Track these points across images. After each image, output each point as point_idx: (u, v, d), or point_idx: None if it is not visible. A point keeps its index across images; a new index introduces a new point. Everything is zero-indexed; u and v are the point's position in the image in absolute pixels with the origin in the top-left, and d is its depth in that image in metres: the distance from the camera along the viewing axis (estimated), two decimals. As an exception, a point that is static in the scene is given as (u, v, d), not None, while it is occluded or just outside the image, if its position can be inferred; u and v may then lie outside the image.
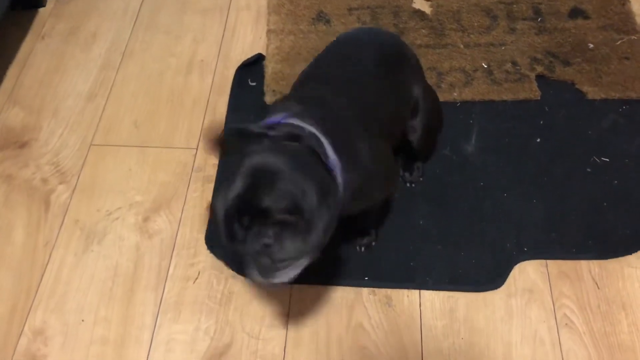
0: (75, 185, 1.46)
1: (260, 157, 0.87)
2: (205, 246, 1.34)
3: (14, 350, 1.22)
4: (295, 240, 0.85)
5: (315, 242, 0.87)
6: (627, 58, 1.63)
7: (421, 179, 1.41)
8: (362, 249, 1.31)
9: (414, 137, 1.30)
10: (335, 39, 1.29)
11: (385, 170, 1.14)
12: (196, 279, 1.30)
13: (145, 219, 1.39)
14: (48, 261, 1.34)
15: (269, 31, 1.75)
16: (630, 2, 1.76)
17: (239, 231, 0.86)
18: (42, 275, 1.32)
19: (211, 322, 1.24)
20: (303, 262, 0.90)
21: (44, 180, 1.47)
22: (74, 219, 1.40)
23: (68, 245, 1.36)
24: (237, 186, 0.85)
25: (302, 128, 0.94)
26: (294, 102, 1.04)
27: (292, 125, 0.95)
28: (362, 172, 1.02)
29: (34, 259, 1.34)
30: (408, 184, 1.41)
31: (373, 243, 1.32)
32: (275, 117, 0.97)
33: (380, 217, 1.34)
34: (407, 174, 1.41)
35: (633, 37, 1.67)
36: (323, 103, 1.05)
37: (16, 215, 1.42)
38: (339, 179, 0.95)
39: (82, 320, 1.25)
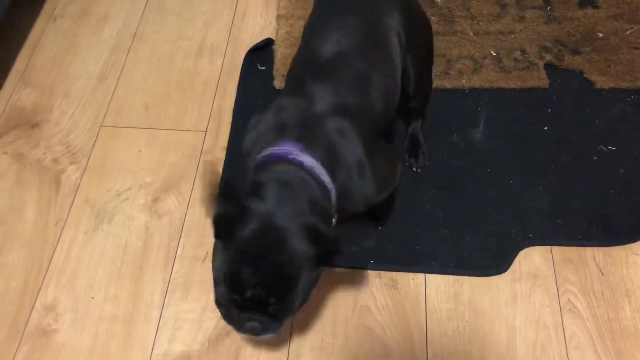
0: (86, 165, 1.48)
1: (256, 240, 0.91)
2: (213, 227, 1.35)
3: (26, 325, 1.24)
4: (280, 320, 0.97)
5: (297, 309, 0.98)
6: (636, 48, 1.63)
7: (427, 162, 1.42)
8: (380, 228, 1.34)
9: (408, 83, 1.26)
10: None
11: (386, 180, 1.13)
12: (204, 259, 1.32)
13: (155, 200, 1.41)
14: (59, 239, 1.36)
15: (278, 16, 1.76)
16: (640, -8, 1.76)
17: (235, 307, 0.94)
18: (53, 253, 1.34)
19: (219, 301, 1.26)
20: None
21: (55, 160, 1.49)
22: (84, 198, 1.42)
23: (78, 224, 1.38)
24: (239, 266, 0.90)
25: (299, 164, 0.96)
26: (294, 128, 1.01)
27: (288, 162, 0.96)
28: (362, 193, 1.04)
29: (45, 237, 1.36)
30: (415, 169, 1.42)
31: (380, 228, 1.34)
32: (274, 149, 0.98)
33: (387, 204, 1.35)
34: (412, 160, 1.43)
35: (643, 27, 1.67)
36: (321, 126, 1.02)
37: (28, 194, 1.44)
38: (333, 200, 0.99)
39: (92, 298, 1.28)
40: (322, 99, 1.01)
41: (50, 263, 1.32)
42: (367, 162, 1.02)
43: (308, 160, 0.95)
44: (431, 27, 1.34)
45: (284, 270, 0.90)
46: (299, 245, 0.90)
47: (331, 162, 0.97)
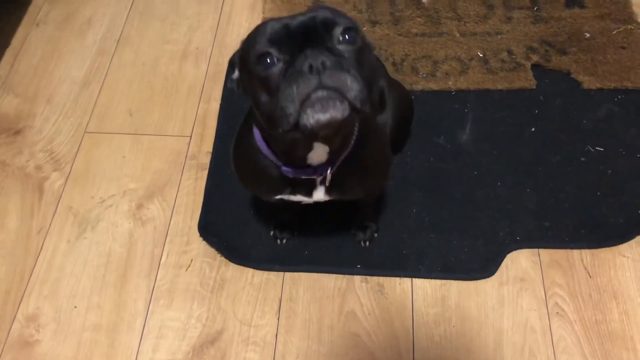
0: (69, 172, 1.46)
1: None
2: (198, 234, 1.34)
3: (7, 336, 1.22)
4: (353, 76, 0.73)
5: (367, 86, 0.76)
6: (623, 47, 1.62)
7: (376, 234, 1.32)
8: (367, 243, 1.31)
9: (387, 131, 1.25)
10: None
11: (385, 148, 1.12)
12: (188, 266, 1.30)
13: (139, 206, 1.40)
14: (41, 248, 1.34)
15: (264, 19, 1.74)
16: (627, -9, 1.75)
17: (289, 47, 0.75)
18: (35, 262, 1.32)
19: (203, 309, 1.24)
20: (346, 106, 0.73)
21: (38, 168, 1.47)
22: (67, 206, 1.40)
23: (61, 232, 1.36)
24: (300, 15, 0.76)
25: None
26: None
27: None
28: (371, 130, 0.99)
29: (27, 246, 1.35)
30: (362, 243, 1.31)
31: (375, 235, 1.32)
32: None
33: (378, 209, 1.34)
34: (360, 233, 1.31)
35: (629, 26, 1.66)
36: None
37: (10, 202, 1.42)
38: None
39: (75, 307, 1.26)
40: None
41: (32, 272, 1.31)
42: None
43: None
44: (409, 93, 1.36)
45: (326, 9, 0.78)
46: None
47: None
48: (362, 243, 1.31)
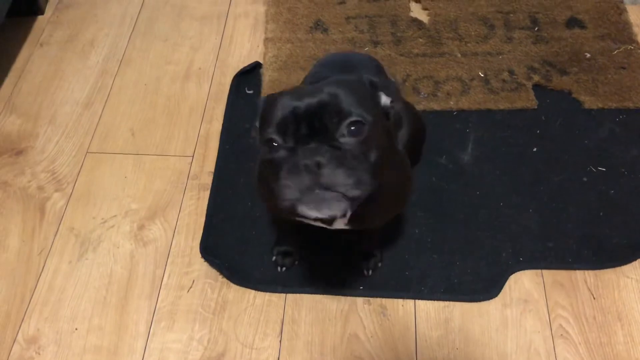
0: (71, 193, 1.46)
1: (332, 85, 0.83)
2: (199, 255, 1.34)
3: (7, 359, 1.21)
4: (351, 172, 0.77)
5: (369, 174, 0.79)
6: (623, 68, 1.62)
7: (380, 264, 1.32)
8: (370, 272, 1.29)
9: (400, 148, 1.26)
10: (317, 62, 1.30)
11: (408, 176, 1.11)
12: (190, 287, 1.29)
13: (141, 227, 1.39)
14: (42, 269, 1.34)
15: (266, 39, 1.76)
16: (627, 11, 1.76)
17: (294, 134, 0.79)
18: (36, 283, 1.31)
19: (205, 331, 1.23)
20: (350, 197, 0.78)
21: (40, 188, 1.47)
22: (69, 226, 1.40)
23: (63, 253, 1.36)
24: (311, 97, 0.81)
25: None
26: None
27: None
28: (395, 163, 1.01)
29: (28, 267, 1.34)
30: (365, 272, 1.30)
31: (379, 264, 1.31)
32: None
33: (383, 237, 1.33)
34: (363, 262, 1.31)
35: (630, 46, 1.67)
36: None
37: (11, 222, 1.41)
38: None
39: (76, 329, 1.25)
40: None
41: (33, 294, 1.30)
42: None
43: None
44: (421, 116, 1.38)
45: (337, 88, 0.81)
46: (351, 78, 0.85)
47: None
48: (365, 272, 1.30)
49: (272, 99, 0.85)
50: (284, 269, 1.30)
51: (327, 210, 0.77)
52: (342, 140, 0.79)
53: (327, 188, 0.75)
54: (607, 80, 1.60)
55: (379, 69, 1.27)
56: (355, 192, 0.76)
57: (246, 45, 1.76)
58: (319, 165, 0.75)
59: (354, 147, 0.78)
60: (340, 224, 1.00)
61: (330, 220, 0.99)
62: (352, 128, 0.79)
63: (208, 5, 1.88)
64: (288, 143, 0.79)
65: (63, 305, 1.29)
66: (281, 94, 0.85)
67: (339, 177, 0.75)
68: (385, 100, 0.90)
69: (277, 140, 0.80)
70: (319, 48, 1.70)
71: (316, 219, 0.99)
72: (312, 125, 0.78)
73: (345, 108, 0.79)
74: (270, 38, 1.75)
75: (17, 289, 1.31)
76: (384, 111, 0.91)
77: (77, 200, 1.45)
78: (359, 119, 0.79)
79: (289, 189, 0.76)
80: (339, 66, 1.24)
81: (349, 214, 0.92)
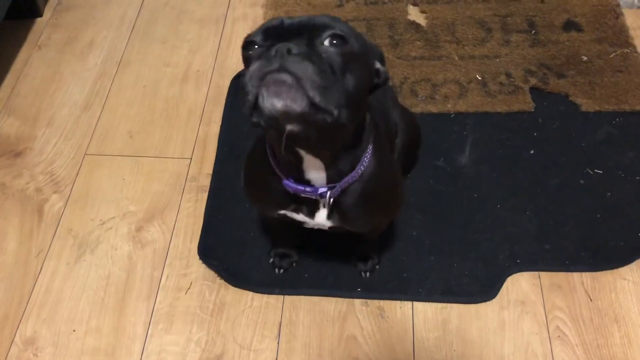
0: (69, 194, 1.46)
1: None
2: (197, 256, 1.34)
3: (5, 360, 1.21)
4: (319, 69, 0.72)
5: (337, 91, 0.74)
6: (620, 71, 1.63)
7: (377, 266, 1.32)
8: (367, 274, 1.30)
9: (395, 155, 1.27)
10: None
11: (398, 184, 1.10)
12: (188, 289, 1.30)
13: (139, 229, 1.39)
14: (40, 270, 1.34)
15: (264, 42, 1.76)
16: (623, 15, 1.77)
17: (276, 38, 0.75)
18: (34, 285, 1.31)
19: (203, 333, 1.23)
20: (304, 99, 0.71)
21: (38, 190, 1.47)
22: (67, 228, 1.40)
23: (60, 254, 1.36)
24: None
25: None
26: None
27: None
28: (383, 164, 1.00)
29: (26, 269, 1.34)
30: (363, 274, 1.31)
31: (377, 266, 1.31)
32: None
33: (381, 241, 1.33)
34: (361, 264, 1.31)
35: (626, 50, 1.68)
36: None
37: (9, 224, 1.42)
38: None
39: (74, 330, 1.25)
40: None
41: (30, 295, 1.30)
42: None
43: None
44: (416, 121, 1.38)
45: (331, 19, 0.78)
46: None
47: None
48: (362, 273, 1.30)
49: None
50: (281, 270, 1.31)
51: (286, 97, 0.69)
52: (321, 47, 0.75)
53: (291, 74, 0.70)
54: (604, 83, 1.61)
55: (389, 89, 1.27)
56: (319, 92, 0.71)
57: (244, 48, 1.76)
58: (289, 51, 0.70)
59: (332, 59, 0.75)
60: (322, 218, 0.99)
61: (313, 212, 0.98)
62: (334, 41, 0.76)
63: (207, 8, 1.88)
64: (267, 43, 0.76)
65: (61, 307, 1.29)
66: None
67: (306, 69, 0.70)
68: (379, 66, 0.88)
69: (257, 40, 0.76)
70: (317, 51, 1.71)
71: (297, 210, 0.99)
72: (296, 32, 0.76)
73: (332, 23, 0.77)
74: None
75: (14, 291, 1.31)
76: (376, 72, 0.87)
77: (75, 202, 1.45)
78: (342, 34, 0.76)
79: (254, 71, 0.71)
80: None
81: (329, 201, 0.91)
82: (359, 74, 0.79)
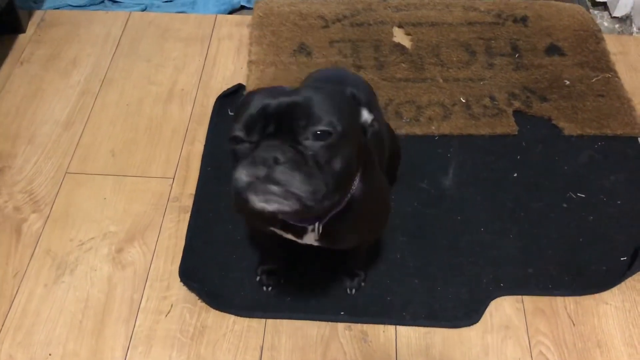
0: (49, 214, 1.44)
1: (310, 90, 0.83)
2: (178, 278, 1.32)
3: (-23, 386, 1.18)
4: (306, 175, 0.76)
5: (326, 184, 0.79)
6: (602, 95, 1.65)
7: (363, 284, 1.31)
8: (353, 291, 1.29)
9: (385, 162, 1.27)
10: (311, 75, 1.30)
11: (386, 202, 1.11)
12: (168, 312, 1.27)
13: (119, 250, 1.37)
14: (16, 292, 1.30)
15: (250, 62, 1.76)
16: (605, 40, 1.80)
17: (260, 132, 0.79)
18: (10, 307, 1.28)
19: (183, 357, 1.21)
20: (293, 202, 0.77)
21: (17, 209, 1.45)
22: (45, 249, 1.37)
23: (38, 276, 1.33)
24: (286, 96, 0.81)
25: None
26: None
27: None
28: (373, 188, 1.00)
29: (1, 290, 1.31)
30: (349, 290, 1.30)
31: (362, 284, 1.30)
32: None
33: (369, 258, 1.32)
34: (347, 280, 1.30)
35: (608, 75, 1.70)
36: None
37: (-14, 244, 1.39)
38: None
39: (50, 354, 1.22)
40: None
41: (6, 318, 1.27)
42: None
43: None
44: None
45: (314, 93, 0.81)
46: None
47: None
48: (348, 290, 1.29)
49: (250, 95, 0.85)
50: (269, 288, 1.29)
51: (275, 204, 0.76)
52: (306, 143, 0.78)
53: (279, 184, 0.75)
54: (586, 107, 1.63)
55: (371, 93, 1.27)
56: (308, 200, 0.76)
57: (230, 67, 1.76)
58: (276, 161, 0.75)
59: (318, 153, 0.78)
60: (311, 239, 0.99)
61: (302, 234, 0.98)
62: (319, 133, 0.78)
63: (192, 27, 1.88)
64: (252, 138, 0.79)
65: (37, 329, 1.25)
66: (259, 90, 0.85)
67: (293, 180, 0.75)
68: (366, 116, 0.90)
69: (243, 137, 0.80)
70: (302, 71, 1.71)
71: (286, 230, 0.99)
72: (280, 124, 0.78)
73: (315, 113, 0.79)
74: (254, 60, 1.76)
75: (-10, 313, 1.28)
76: (363, 127, 0.90)
77: (55, 222, 1.42)
78: (327, 128, 0.78)
79: (243, 176, 0.76)
80: (331, 82, 1.23)
81: (319, 228, 0.92)
82: (347, 153, 0.82)
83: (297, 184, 0.75)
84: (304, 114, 0.78)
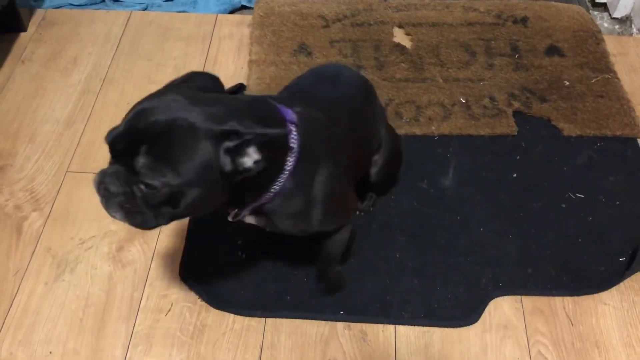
0: (50, 212, 1.44)
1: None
2: (178, 277, 1.32)
3: (-22, 383, 1.18)
4: (128, 213, 0.86)
5: (151, 216, 0.86)
6: (601, 96, 1.66)
7: (371, 209, 1.39)
8: (326, 292, 1.31)
9: (374, 171, 1.28)
10: (310, 69, 1.30)
11: (335, 203, 1.06)
12: (168, 311, 1.28)
13: (119, 249, 1.37)
14: (17, 290, 1.31)
15: (250, 61, 1.76)
16: (604, 41, 1.81)
17: (113, 146, 0.86)
18: (10, 305, 1.29)
19: (183, 356, 1.22)
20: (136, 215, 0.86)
21: (18, 207, 1.45)
22: (46, 247, 1.38)
23: (39, 274, 1.34)
24: (151, 118, 0.82)
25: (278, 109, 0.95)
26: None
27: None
28: (304, 193, 0.99)
29: (2, 288, 1.31)
30: (357, 212, 1.34)
31: (339, 290, 1.30)
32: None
33: (345, 252, 1.27)
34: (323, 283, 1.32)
35: (607, 75, 1.70)
36: (309, 108, 1.02)
37: (-13, 242, 1.39)
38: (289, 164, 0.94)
39: (50, 352, 1.22)
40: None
41: (6, 316, 1.27)
42: (332, 172, 1.01)
43: (291, 116, 0.95)
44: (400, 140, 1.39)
45: (169, 124, 0.80)
46: (199, 118, 0.81)
47: (306, 144, 0.95)
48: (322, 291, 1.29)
49: (137, 104, 0.87)
50: (243, 255, 1.34)
51: (111, 211, 0.87)
52: (140, 184, 0.82)
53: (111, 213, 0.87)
54: (585, 108, 1.63)
55: (368, 91, 1.26)
56: (137, 227, 0.88)
57: (230, 67, 1.77)
58: (108, 190, 0.84)
59: (147, 196, 0.82)
60: (251, 220, 1.04)
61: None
62: (148, 183, 0.81)
63: (193, 26, 1.89)
64: (111, 149, 0.85)
65: (37, 328, 1.26)
66: (145, 100, 0.87)
67: (117, 214, 0.86)
68: (247, 158, 0.83)
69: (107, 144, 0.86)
70: (302, 71, 1.70)
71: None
72: (129, 147, 0.81)
73: (156, 157, 0.79)
74: (255, 60, 1.76)
75: (-10, 311, 1.28)
76: (235, 169, 0.84)
77: (55, 221, 1.43)
78: (154, 183, 0.80)
79: (95, 184, 0.87)
80: (325, 79, 1.22)
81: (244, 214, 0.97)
82: (190, 198, 0.84)
83: (121, 217, 0.86)
84: (148, 153, 0.80)
